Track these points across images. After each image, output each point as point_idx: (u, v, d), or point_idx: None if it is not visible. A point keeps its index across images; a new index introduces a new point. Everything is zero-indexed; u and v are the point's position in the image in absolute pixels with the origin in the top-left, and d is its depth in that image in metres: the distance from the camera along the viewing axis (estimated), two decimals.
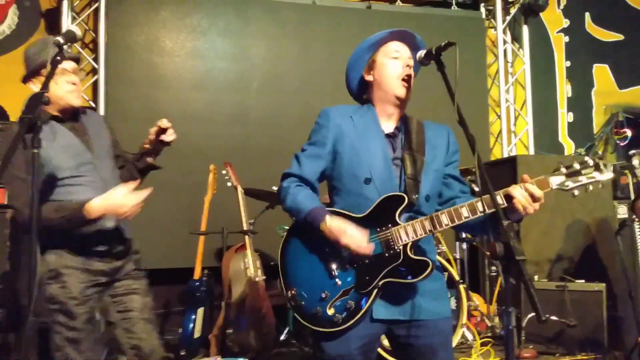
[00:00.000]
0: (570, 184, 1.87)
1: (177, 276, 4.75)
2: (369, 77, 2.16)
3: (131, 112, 4.93)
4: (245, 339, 3.95)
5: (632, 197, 4.37)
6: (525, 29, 6.26)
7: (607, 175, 1.86)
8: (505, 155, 5.97)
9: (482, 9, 6.17)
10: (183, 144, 4.95)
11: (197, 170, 4.66)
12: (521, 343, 4.11)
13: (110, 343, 2.63)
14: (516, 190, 1.84)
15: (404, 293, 1.97)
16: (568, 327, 4.07)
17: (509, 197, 1.85)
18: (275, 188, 4.24)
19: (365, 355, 2.01)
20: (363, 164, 2.02)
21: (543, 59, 6.46)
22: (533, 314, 2.54)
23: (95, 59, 5.03)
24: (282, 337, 4.33)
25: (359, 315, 1.93)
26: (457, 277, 4.12)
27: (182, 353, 4.01)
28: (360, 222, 1.96)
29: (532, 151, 6.10)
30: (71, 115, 2.54)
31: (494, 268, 4.97)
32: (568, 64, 6.55)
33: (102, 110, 4.87)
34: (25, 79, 2.51)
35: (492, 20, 6.15)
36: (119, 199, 2.28)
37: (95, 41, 5.10)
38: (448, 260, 4.20)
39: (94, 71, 5.03)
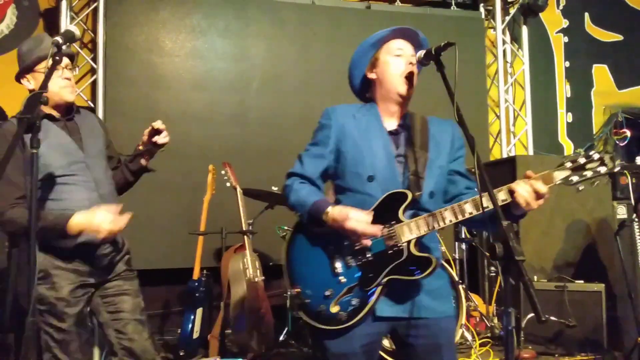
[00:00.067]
0: (575, 178, 1.86)
1: (176, 276, 4.75)
2: (371, 75, 2.15)
3: (130, 113, 4.92)
4: (244, 340, 3.95)
5: (632, 197, 4.37)
6: (524, 29, 6.26)
7: (613, 168, 1.84)
8: (505, 155, 5.96)
9: (482, 9, 6.17)
10: (182, 144, 4.99)
11: (196, 170, 4.66)
12: (520, 343, 4.11)
13: (106, 344, 2.63)
14: (519, 185, 1.83)
15: (407, 291, 1.97)
16: (567, 328, 4.07)
17: (513, 193, 1.85)
18: (275, 188, 4.24)
19: (368, 355, 2.00)
20: (366, 162, 2.02)
21: (542, 59, 6.46)
22: (532, 314, 2.53)
23: (94, 59, 5.02)
24: (281, 338, 4.32)
25: (363, 313, 1.93)
26: (456, 278, 4.12)
27: (181, 353, 4.01)
28: None
29: (531, 151, 6.10)
30: (65, 113, 2.53)
31: (493, 268, 4.97)
32: (567, 64, 6.55)
33: (101, 111, 4.86)
34: (19, 76, 2.51)
35: (492, 20, 6.14)
36: (99, 222, 2.26)
37: (94, 41, 5.09)
38: (447, 261, 4.21)
39: (93, 71, 5.02)
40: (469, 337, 4.04)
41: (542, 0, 5.96)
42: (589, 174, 1.85)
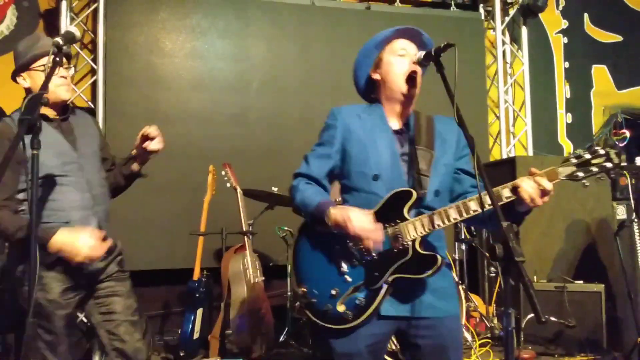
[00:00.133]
0: (580, 174, 1.85)
1: (176, 277, 4.75)
2: (375, 76, 2.15)
3: (130, 113, 4.93)
4: (245, 340, 3.95)
5: (632, 198, 4.37)
6: (524, 30, 6.27)
7: (620, 163, 1.84)
8: (504, 156, 5.97)
9: (481, 10, 6.17)
10: (182, 144, 5.01)
11: (196, 171, 4.66)
12: (520, 344, 4.12)
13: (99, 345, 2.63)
14: (524, 181, 1.83)
15: (412, 290, 1.97)
16: (567, 328, 4.08)
17: (517, 190, 1.84)
18: (275, 189, 4.25)
19: (374, 355, 2.01)
20: (371, 161, 2.02)
21: (542, 59, 6.46)
22: (532, 314, 2.53)
23: (94, 60, 5.02)
24: (281, 338, 4.32)
25: (369, 312, 1.93)
26: (456, 278, 4.12)
27: (182, 354, 4.01)
28: None
29: (531, 152, 6.11)
30: (60, 113, 2.52)
31: (493, 269, 4.97)
32: (567, 64, 6.56)
33: (101, 111, 4.87)
34: (14, 74, 2.50)
35: (491, 21, 6.15)
36: (80, 246, 2.25)
37: (94, 42, 5.09)
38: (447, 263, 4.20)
39: (93, 72, 5.03)
40: (469, 337, 4.05)
41: (541, 1, 5.96)
42: (594, 169, 1.84)
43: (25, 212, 2.35)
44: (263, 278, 4.17)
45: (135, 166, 2.67)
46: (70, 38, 2.12)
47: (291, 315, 4.33)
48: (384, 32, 2.14)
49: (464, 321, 4.03)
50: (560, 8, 6.57)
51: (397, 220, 1.95)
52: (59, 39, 2.06)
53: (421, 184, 1.97)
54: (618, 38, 6.68)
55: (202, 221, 4.21)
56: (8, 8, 4.98)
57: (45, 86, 1.97)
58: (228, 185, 4.21)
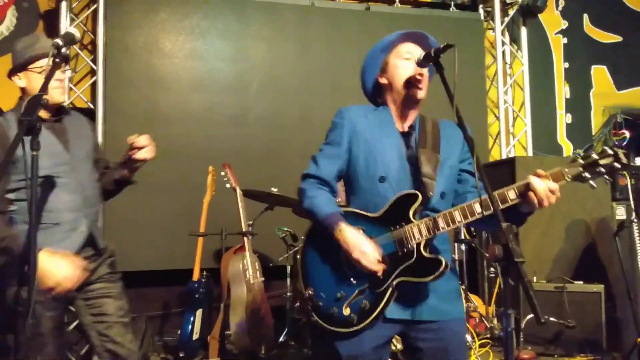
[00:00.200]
0: (588, 174, 1.84)
1: (176, 277, 4.75)
2: (382, 80, 2.16)
3: (130, 114, 4.93)
4: (244, 341, 3.95)
5: (631, 198, 4.37)
6: (523, 31, 6.27)
7: (629, 164, 1.82)
8: (504, 156, 5.96)
9: (481, 11, 6.17)
10: (182, 145, 5.01)
11: (196, 171, 4.66)
12: (520, 344, 4.12)
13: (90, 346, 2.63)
14: (537, 181, 1.81)
15: (418, 293, 1.97)
16: (567, 329, 4.08)
17: (526, 191, 1.83)
18: (274, 189, 4.25)
19: (378, 356, 2.01)
20: (378, 162, 2.03)
21: (541, 60, 6.47)
22: (532, 315, 2.53)
23: (94, 60, 5.02)
24: (281, 339, 4.33)
25: (373, 315, 1.93)
26: None
27: (181, 354, 4.01)
28: (375, 221, 1.97)
29: (530, 152, 6.11)
30: (54, 114, 2.52)
31: (492, 269, 4.97)
32: (566, 65, 6.56)
33: (100, 112, 4.86)
34: (11, 73, 2.50)
35: (491, 21, 6.15)
36: (56, 272, 2.23)
37: (94, 42, 5.09)
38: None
39: (93, 72, 5.02)
40: (469, 338, 4.05)
41: (541, 1, 5.97)
42: (602, 170, 1.83)
43: (16, 212, 2.35)
44: (263, 279, 4.17)
45: (124, 172, 2.66)
46: (70, 39, 2.12)
47: (291, 316, 4.33)
48: (390, 36, 2.15)
49: None
50: (560, 8, 6.57)
51: (402, 223, 1.95)
52: (58, 40, 2.06)
53: (427, 186, 1.97)
54: (618, 38, 6.68)
55: (202, 222, 4.21)
56: (8, 9, 4.98)
57: (44, 87, 1.97)
58: (228, 185, 4.22)
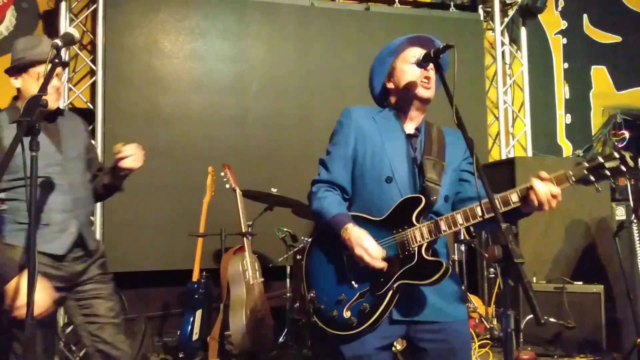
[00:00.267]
0: (592, 177, 1.83)
1: (175, 278, 4.76)
2: (389, 85, 2.17)
3: (130, 114, 4.93)
4: (244, 341, 3.95)
5: (630, 199, 4.38)
6: (523, 31, 6.27)
7: (637, 166, 1.81)
8: (504, 157, 5.96)
9: (480, 11, 6.17)
10: (182, 145, 5.01)
11: (195, 172, 4.66)
12: (519, 345, 4.12)
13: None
14: (539, 184, 1.81)
15: (421, 294, 1.98)
16: (566, 329, 4.08)
17: (528, 194, 1.83)
18: (274, 190, 4.25)
19: (381, 356, 2.01)
20: (385, 163, 2.03)
21: (541, 60, 6.47)
22: (531, 316, 2.53)
23: (94, 61, 5.02)
24: (281, 339, 4.32)
25: (374, 318, 1.93)
26: None
27: (181, 355, 4.01)
28: (379, 225, 1.98)
29: (530, 153, 6.11)
30: (47, 115, 2.52)
31: (492, 270, 4.97)
32: (566, 65, 6.56)
33: (100, 112, 4.86)
34: (8, 72, 2.50)
35: (490, 22, 6.15)
36: (24, 297, 2.19)
37: (93, 43, 5.09)
38: None
39: (92, 73, 5.02)
40: (469, 339, 4.04)
41: (540, 1, 5.97)
42: (608, 173, 1.82)
43: (6, 212, 2.37)
44: (262, 279, 4.17)
45: (112, 180, 2.66)
46: (69, 40, 2.12)
47: (290, 317, 4.32)
48: (396, 40, 2.16)
49: None
50: (560, 9, 6.57)
51: (405, 226, 1.95)
52: (58, 41, 2.05)
53: (431, 191, 1.98)
54: (617, 39, 6.68)
55: (202, 222, 4.21)
56: (7, 9, 4.98)
57: (44, 88, 1.97)
58: (227, 186, 4.21)
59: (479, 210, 1.86)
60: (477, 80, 5.96)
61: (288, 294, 4.37)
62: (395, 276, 1.92)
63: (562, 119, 6.50)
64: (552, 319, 4.10)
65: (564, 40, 6.57)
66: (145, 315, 4.28)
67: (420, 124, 2.15)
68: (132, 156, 2.52)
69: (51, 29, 5.01)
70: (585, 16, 6.63)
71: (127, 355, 2.56)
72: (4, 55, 4.76)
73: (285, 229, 4.46)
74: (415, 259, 1.92)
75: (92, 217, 4.73)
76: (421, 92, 2.06)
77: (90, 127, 4.84)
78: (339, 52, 5.46)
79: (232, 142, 5.12)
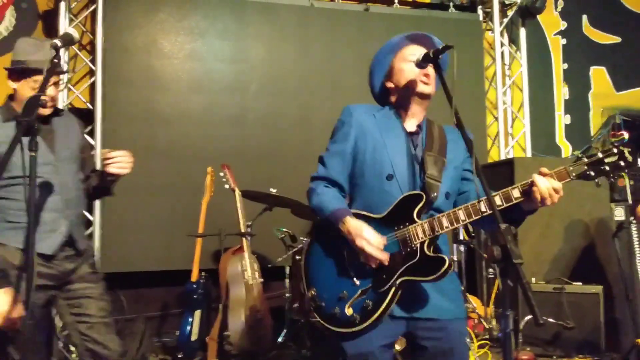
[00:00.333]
0: (592, 173, 1.84)
1: (174, 278, 4.75)
2: (389, 84, 2.17)
3: (129, 114, 4.93)
4: (243, 342, 3.95)
5: (629, 199, 4.38)
6: (522, 32, 6.27)
7: (635, 161, 1.83)
8: (503, 157, 5.96)
9: (480, 12, 6.17)
10: (181, 146, 5.01)
11: (194, 172, 4.66)
12: (518, 345, 4.12)
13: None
14: (540, 179, 1.82)
15: (422, 291, 1.97)
16: (565, 330, 4.08)
17: (530, 189, 1.84)
18: (273, 190, 4.25)
19: (385, 355, 2.01)
20: (385, 160, 2.03)
21: (540, 61, 6.47)
22: (530, 316, 2.53)
23: (93, 61, 5.02)
24: (280, 340, 4.32)
25: (376, 315, 1.92)
26: None
27: (180, 355, 4.01)
28: (380, 222, 1.98)
29: (529, 153, 6.11)
30: (40, 117, 2.52)
31: (491, 270, 4.97)
32: (565, 66, 6.56)
33: (99, 112, 4.86)
34: (8, 70, 2.51)
35: (490, 22, 6.15)
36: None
37: (92, 43, 5.08)
38: None
39: (92, 73, 5.02)
40: (467, 339, 4.05)
41: (539, 2, 5.97)
42: (607, 168, 1.83)
43: None
44: (261, 280, 4.17)
45: (102, 182, 2.67)
46: (68, 40, 2.12)
47: (289, 317, 4.32)
48: (394, 38, 2.16)
49: None
50: (559, 9, 6.58)
51: (407, 223, 1.95)
52: (57, 41, 2.05)
53: (432, 187, 1.98)
54: (617, 39, 6.68)
55: (201, 222, 4.21)
56: (6, 9, 4.98)
57: (43, 88, 1.97)
58: (226, 186, 4.21)
59: (481, 207, 1.87)
60: (477, 80, 5.96)
61: (287, 295, 4.37)
62: (398, 273, 1.92)
63: (561, 119, 6.50)
64: (551, 320, 4.10)
65: (563, 41, 6.58)
66: (144, 316, 4.28)
67: (422, 121, 2.15)
68: (119, 162, 2.53)
69: (50, 29, 5.01)
70: (584, 17, 6.63)
71: (116, 355, 2.57)
72: (4, 55, 4.76)
73: (284, 230, 4.46)
74: (418, 256, 1.92)
75: (91, 218, 4.76)
76: (421, 88, 2.06)
77: (90, 128, 4.85)
78: (339, 53, 5.46)
79: (232, 142, 5.12)
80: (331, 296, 2.01)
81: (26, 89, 2.45)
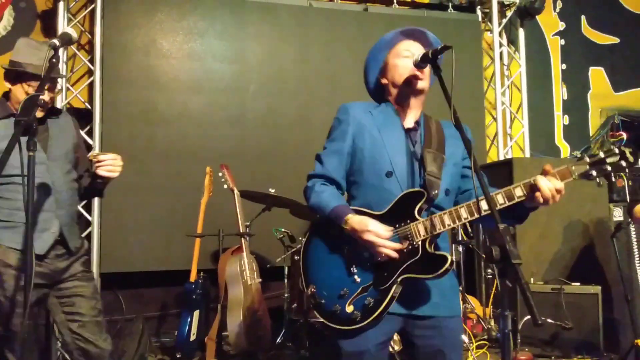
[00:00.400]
0: (594, 172, 1.84)
1: (173, 278, 4.75)
2: (384, 81, 2.16)
3: (128, 114, 4.92)
4: (241, 342, 3.94)
5: (628, 200, 4.38)
6: (521, 32, 6.28)
7: (636, 162, 1.83)
8: (501, 157, 5.97)
9: (479, 12, 6.18)
10: (179, 146, 5.01)
11: (193, 172, 4.66)
12: (517, 346, 4.12)
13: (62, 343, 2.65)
14: (542, 181, 1.82)
15: (419, 288, 1.97)
16: (564, 330, 4.08)
17: (534, 189, 1.84)
18: (272, 190, 4.25)
19: (381, 352, 2.01)
20: (384, 158, 2.02)
21: (539, 61, 6.48)
22: (529, 316, 2.53)
23: (92, 61, 5.01)
24: (278, 340, 4.32)
25: (377, 312, 1.92)
26: None
27: (178, 355, 4.01)
28: (379, 219, 1.96)
29: (528, 154, 6.11)
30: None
31: (490, 271, 4.98)
32: (564, 66, 6.57)
33: (98, 112, 4.86)
34: (5, 71, 2.51)
35: (489, 23, 6.16)
36: None
37: (91, 42, 5.08)
38: None
39: (90, 73, 5.02)
40: (466, 339, 4.05)
41: (538, 3, 5.98)
42: (608, 168, 1.83)
43: None
44: (260, 280, 4.17)
45: (93, 184, 2.67)
46: (67, 39, 2.12)
47: (288, 317, 4.32)
48: (388, 34, 2.15)
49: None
50: (558, 10, 6.59)
51: (408, 220, 1.94)
52: (55, 41, 2.05)
53: (432, 184, 1.97)
54: (615, 40, 6.70)
55: (199, 223, 4.21)
56: (5, 9, 4.97)
57: (41, 88, 1.97)
58: (225, 186, 4.21)
59: (483, 205, 1.86)
60: (475, 81, 5.97)
61: (286, 295, 4.37)
62: (400, 270, 1.91)
63: (560, 120, 6.51)
64: (549, 320, 4.10)
65: (562, 42, 6.59)
66: (142, 316, 4.27)
67: (419, 117, 2.14)
68: (108, 165, 2.53)
69: (49, 28, 5.01)
70: (583, 17, 6.64)
71: (106, 353, 2.58)
72: (3, 54, 4.76)
73: (283, 230, 4.45)
74: (420, 253, 1.91)
75: (90, 218, 4.75)
76: (415, 83, 2.05)
77: (88, 127, 4.85)
78: (337, 53, 5.46)
79: (230, 143, 5.12)
80: (331, 293, 2.00)
81: (21, 92, 2.46)
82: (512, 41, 6.34)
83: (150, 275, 4.91)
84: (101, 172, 2.53)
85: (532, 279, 4.45)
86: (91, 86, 4.99)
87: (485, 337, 4.42)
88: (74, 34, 2.14)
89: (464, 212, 1.90)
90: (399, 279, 1.91)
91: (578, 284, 4.26)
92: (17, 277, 2.38)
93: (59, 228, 2.50)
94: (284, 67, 5.39)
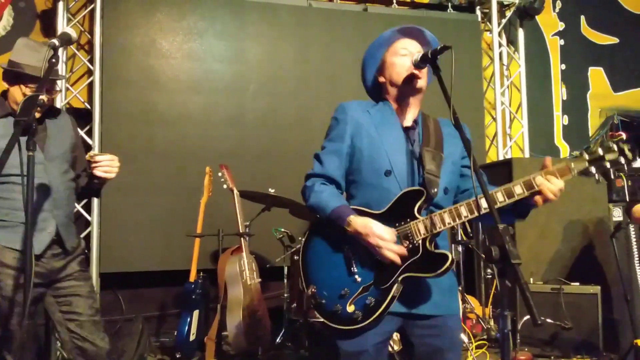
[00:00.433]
0: (593, 169, 1.84)
1: (172, 278, 4.75)
2: (381, 79, 2.16)
3: (127, 114, 4.92)
4: (241, 342, 3.94)
5: (628, 200, 4.38)
6: (520, 32, 6.28)
7: (634, 159, 1.84)
8: (501, 157, 5.98)
9: (478, 12, 6.18)
10: (179, 146, 5.01)
11: (193, 172, 4.66)
12: (516, 346, 4.12)
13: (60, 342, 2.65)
14: (544, 185, 1.83)
15: (418, 287, 1.97)
16: (563, 330, 4.08)
17: (533, 186, 1.84)
18: (271, 190, 4.25)
19: (380, 352, 2.01)
20: (383, 156, 2.02)
21: (538, 61, 6.48)
22: (528, 316, 2.53)
23: (91, 61, 5.01)
24: (278, 340, 4.32)
25: (379, 312, 1.91)
26: None
27: (178, 356, 4.00)
28: (379, 218, 1.95)
29: (527, 154, 6.11)
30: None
31: (489, 270, 4.97)
32: (563, 67, 6.57)
33: (97, 112, 4.86)
34: (4, 71, 2.51)
35: (488, 23, 6.16)
36: None
37: (91, 42, 5.08)
38: None
39: (90, 73, 5.02)
40: (466, 339, 4.05)
41: (538, 3, 5.98)
42: (608, 165, 1.84)
43: None
44: (260, 280, 4.17)
45: (90, 184, 2.67)
46: (66, 39, 2.12)
47: (288, 317, 4.32)
48: (386, 32, 2.15)
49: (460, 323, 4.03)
50: (557, 10, 6.59)
51: (408, 219, 1.94)
52: (55, 41, 2.05)
53: (431, 183, 1.97)
54: (614, 40, 6.70)
55: (199, 222, 4.21)
56: (4, 9, 4.97)
57: (40, 88, 1.97)
58: (225, 186, 4.21)
59: (483, 203, 1.86)
60: (475, 81, 5.97)
61: (285, 295, 4.37)
62: (401, 269, 1.91)
63: (560, 120, 6.51)
64: (549, 320, 4.10)
65: (561, 42, 6.59)
66: (142, 316, 4.27)
67: (417, 116, 2.14)
68: (105, 166, 2.53)
69: (48, 28, 5.00)
70: (582, 17, 6.64)
71: (103, 352, 2.58)
72: (3, 54, 4.76)
73: (282, 230, 4.46)
74: (420, 252, 1.91)
75: (89, 218, 4.75)
76: (413, 82, 2.05)
77: (87, 127, 4.85)
78: (337, 53, 5.46)
79: (230, 143, 5.12)
80: (332, 293, 1.99)
81: (18, 93, 2.46)
82: (512, 41, 6.34)
83: (149, 275, 4.91)
84: (98, 172, 2.53)
85: (531, 279, 4.45)
86: (91, 86, 4.99)
87: (485, 337, 4.42)
88: (74, 34, 2.14)
89: (463, 210, 1.89)
90: (399, 278, 1.91)
91: (577, 284, 4.26)
92: (14, 277, 2.38)
93: (55, 228, 2.50)
94: (283, 67, 5.39)
